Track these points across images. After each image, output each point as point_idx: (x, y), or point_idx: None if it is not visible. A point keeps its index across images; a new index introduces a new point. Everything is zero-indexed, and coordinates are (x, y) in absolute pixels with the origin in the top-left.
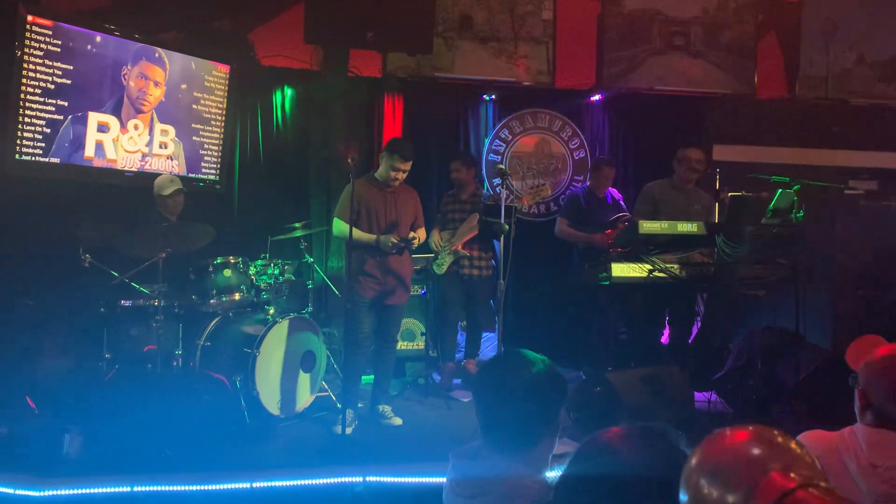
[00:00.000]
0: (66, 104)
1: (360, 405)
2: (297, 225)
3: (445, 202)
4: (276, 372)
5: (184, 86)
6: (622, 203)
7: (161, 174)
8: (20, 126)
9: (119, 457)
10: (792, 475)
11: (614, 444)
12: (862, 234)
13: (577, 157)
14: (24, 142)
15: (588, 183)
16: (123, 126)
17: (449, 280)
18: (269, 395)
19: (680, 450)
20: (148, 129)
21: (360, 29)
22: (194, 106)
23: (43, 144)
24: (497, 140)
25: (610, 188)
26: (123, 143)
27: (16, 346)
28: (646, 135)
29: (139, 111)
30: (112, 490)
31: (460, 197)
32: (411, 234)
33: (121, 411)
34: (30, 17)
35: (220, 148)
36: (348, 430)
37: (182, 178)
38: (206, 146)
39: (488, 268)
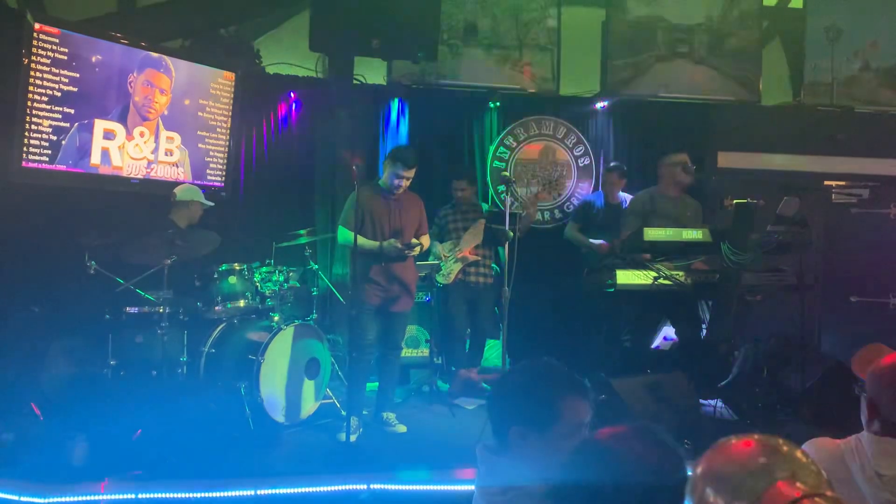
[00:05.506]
0: (72, 111)
1: (364, 412)
2: (301, 232)
3: (445, 213)
4: (280, 379)
5: (189, 94)
6: None
7: (164, 181)
8: (27, 133)
9: (124, 464)
10: (798, 484)
11: (607, 443)
12: (852, 241)
13: (581, 165)
14: (31, 149)
15: (602, 189)
16: (129, 133)
17: (453, 288)
18: (274, 402)
19: (670, 446)
20: (154, 136)
21: (365, 37)
22: (200, 113)
23: (49, 151)
24: (502, 147)
25: (622, 194)
26: (129, 151)
27: (21, 353)
28: (650, 142)
29: (145, 118)
30: (117, 497)
31: (461, 208)
32: (413, 241)
33: (126, 418)
34: (37, 26)
35: (226, 155)
36: (353, 438)
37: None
38: (211, 153)
39: (491, 275)
